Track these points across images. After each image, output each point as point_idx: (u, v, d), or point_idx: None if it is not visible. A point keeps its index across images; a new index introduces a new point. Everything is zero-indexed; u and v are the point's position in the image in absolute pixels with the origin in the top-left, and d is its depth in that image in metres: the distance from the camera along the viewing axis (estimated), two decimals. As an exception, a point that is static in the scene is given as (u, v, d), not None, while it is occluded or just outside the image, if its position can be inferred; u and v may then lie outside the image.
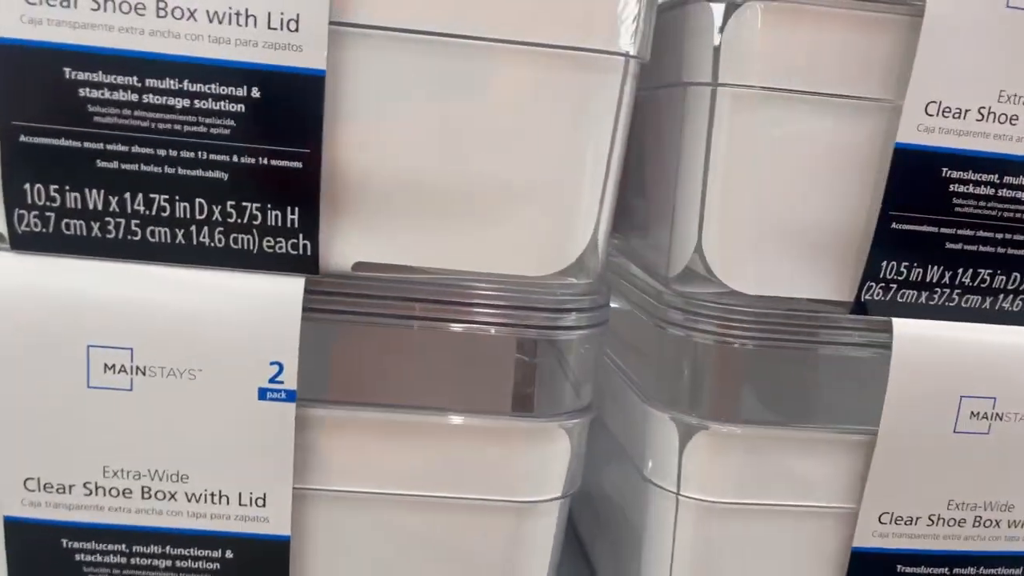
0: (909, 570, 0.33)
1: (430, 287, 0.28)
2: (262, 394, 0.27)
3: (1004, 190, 0.30)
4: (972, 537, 0.33)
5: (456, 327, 0.28)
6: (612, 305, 0.39)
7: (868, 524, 0.32)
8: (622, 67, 0.27)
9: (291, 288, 0.27)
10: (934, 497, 0.32)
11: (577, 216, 0.28)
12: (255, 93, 0.25)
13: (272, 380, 0.27)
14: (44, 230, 0.26)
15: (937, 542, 0.33)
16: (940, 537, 0.33)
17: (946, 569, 0.33)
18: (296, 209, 0.26)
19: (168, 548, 0.29)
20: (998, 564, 0.33)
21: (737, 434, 0.31)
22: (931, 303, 0.31)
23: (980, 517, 0.33)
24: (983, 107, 0.29)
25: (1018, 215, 0.30)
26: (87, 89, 0.25)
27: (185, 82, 0.25)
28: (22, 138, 0.25)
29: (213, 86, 0.25)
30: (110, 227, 0.26)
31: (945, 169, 0.30)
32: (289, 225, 0.26)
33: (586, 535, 0.44)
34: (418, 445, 0.29)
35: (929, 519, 0.32)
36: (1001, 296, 0.31)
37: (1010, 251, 0.31)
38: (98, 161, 0.25)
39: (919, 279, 0.31)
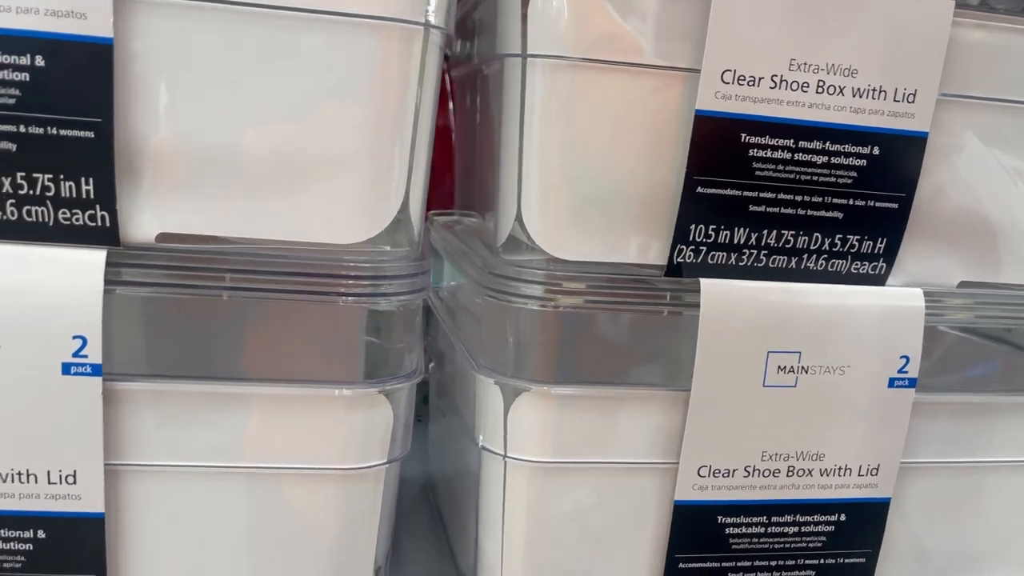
0: (729, 520, 0.35)
1: (241, 257, 0.28)
2: (66, 369, 0.27)
3: (800, 154, 0.32)
4: (787, 486, 0.34)
5: (270, 296, 0.28)
6: (453, 282, 0.40)
7: (688, 478, 0.34)
8: (422, 36, 0.28)
9: (91, 260, 0.27)
10: (749, 449, 0.34)
11: (386, 184, 0.29)
12: (39, 62, 0.25)
13: (76, 354, 0.27)
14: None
15: (754, 492, 0.34)
16: (757, 487, 0.34)
17: (764, 518, 0.35)
18: (91, 180, 0.26)
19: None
20: (813, 511, 0.35)
21: (559, 395, 0.32)
22: (740, 264, 0.33)
23: (793, 467, 0.34)
24: (775, 75, 0.31)
25: (814, 178, 0.32)
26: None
27: None
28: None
29: (-4, 55, 0.25)
30: None
31: (744, 135, 0.31)
32: (85, 196, 0.26)
33: (445, 513, 0.45)
34: (236, 416, 0.29)
35: (745, 471, 0.34)
36: (804, 256, 0.33)
37: (809, 212, 0.32)
38: None
39: (727, 241, 0.32)
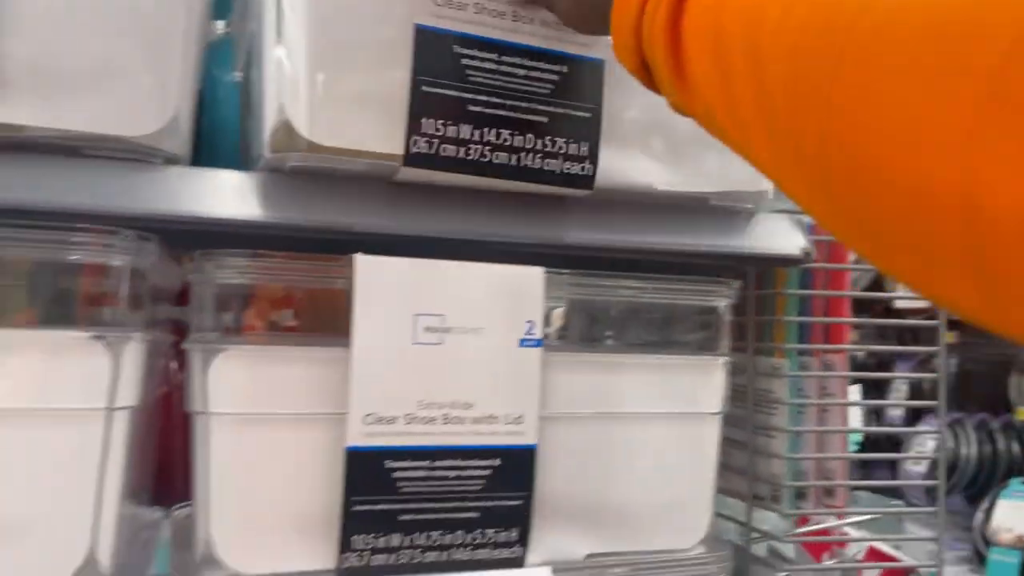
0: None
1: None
2: None
3: (435, 471, 0.40)
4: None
5: None
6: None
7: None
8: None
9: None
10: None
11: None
12: None
13: None
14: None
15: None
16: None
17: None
18: None
19: None
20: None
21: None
22: (400, 562, 0.39)
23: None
24: (408, 414, 0.39)
25: (450, 488, 0.39)
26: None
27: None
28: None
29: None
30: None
31: (388, 461, 0.39)
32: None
33: None
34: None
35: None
36: (452, 550, 0.40)
37: (450, 516, 0.39)
38: None
39: (385, 546, 0.39)
